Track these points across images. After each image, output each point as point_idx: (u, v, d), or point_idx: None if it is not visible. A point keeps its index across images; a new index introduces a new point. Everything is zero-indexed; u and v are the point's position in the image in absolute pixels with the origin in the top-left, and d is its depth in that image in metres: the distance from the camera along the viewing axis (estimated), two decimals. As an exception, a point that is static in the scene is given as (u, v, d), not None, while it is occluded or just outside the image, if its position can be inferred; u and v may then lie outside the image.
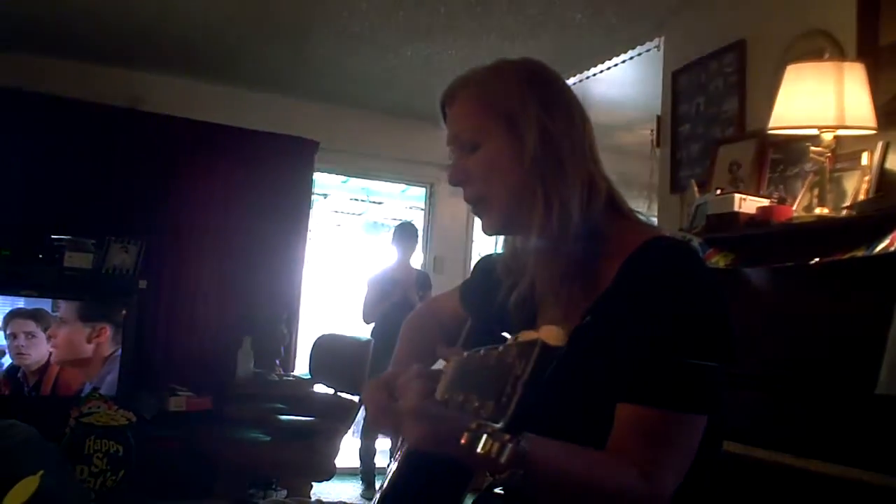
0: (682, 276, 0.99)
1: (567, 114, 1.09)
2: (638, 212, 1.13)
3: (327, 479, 3.83)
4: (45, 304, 4.17)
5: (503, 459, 0.64)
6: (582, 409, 0.99)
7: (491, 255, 1.28)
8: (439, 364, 1.40)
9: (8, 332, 4.09)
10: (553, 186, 1.04)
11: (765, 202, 2.43)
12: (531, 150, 1.05)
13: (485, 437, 0.66)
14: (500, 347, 0.69)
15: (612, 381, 0.96)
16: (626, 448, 0.92)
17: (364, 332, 4.79)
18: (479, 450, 0.66)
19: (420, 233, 5.37)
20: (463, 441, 0.69)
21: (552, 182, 1.04)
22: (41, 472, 1.04)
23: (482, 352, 0.73)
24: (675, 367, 0.94)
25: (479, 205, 1.12)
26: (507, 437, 0.64)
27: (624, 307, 0.99)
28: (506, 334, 1.15)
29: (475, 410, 0.67)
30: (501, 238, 1.20)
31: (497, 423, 0.63)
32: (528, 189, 1.05)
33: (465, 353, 0.78)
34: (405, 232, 5.06)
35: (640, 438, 0.93)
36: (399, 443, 1.27)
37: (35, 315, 4.16)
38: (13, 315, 4.12)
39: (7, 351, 4.08)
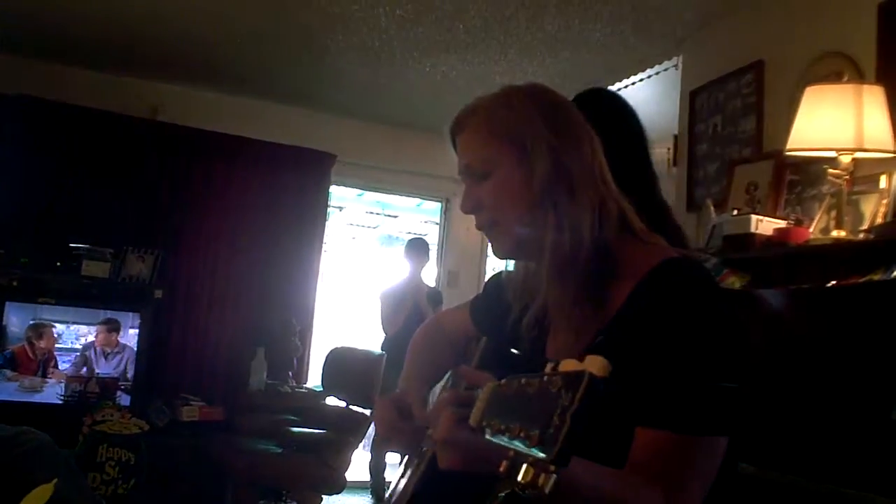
0: (696, 298, 0.99)
1: (576, 137, 1.09)
2: (653, 234, 1.12)
3: (337, 493, 3.81)
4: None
5: (548, 490, 0.64)
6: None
7: (502, 273, 1.28)
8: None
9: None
10: (564, 210, 1.04)
11: (782, 224, 2.42)
12: (541, 176, 1.05)
13: (525, 466, 0.66)
14: (544, 377, 0.68)
15: (627, 404, 0.96)
16: (648, 472, 0.92)
17: (377, 345, 4.81)
18: (519, 479, 0.66)
19: (434, 247, 5.36)
20: (501, 469, 0.69)
21: (563, 206, 1.04)
22: (55, 480, 1.04)
23: (523, 380, 0.72)
24: (695, 390, 0.94)
25: (491, 231, 1.12)
26: (553, 468, 0.63)
27: (638, 330, 0.98)
28: (514, 351, 1.15)
29: (518, 440, 0.67)
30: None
31: (541, 453, 0.63)
32: (540, 214, 1.05)
33: (503, 380, 0.77)
34: (416, 247, 5.07)
35: (662, 462, 0.92)
36: (409, 458, 1.27)
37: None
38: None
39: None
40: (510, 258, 1.17)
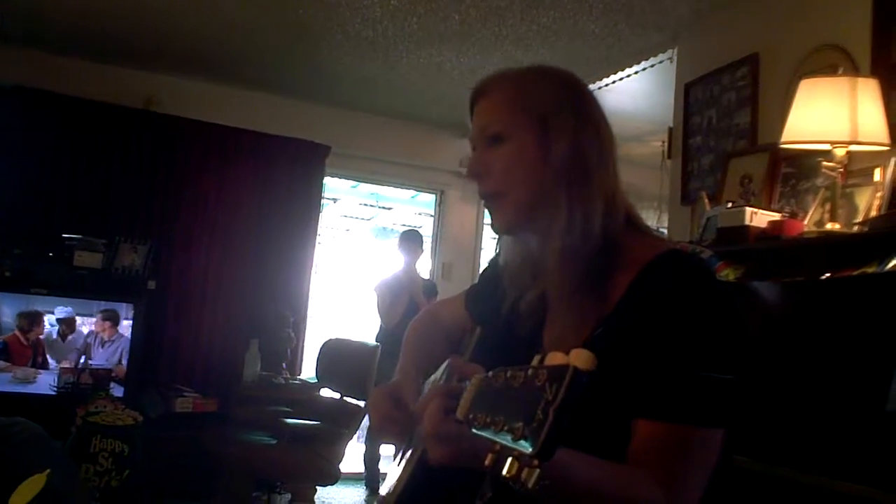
0: (696, 290, 0.99)
1: (597, 127, 1.09)
2: (654, 230, 1.13)
3: (331, 484, 3.82)
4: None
5: (531, 484, 0.64)
6: (594, 421, 0.97)
7: (497, 259, 1.28)
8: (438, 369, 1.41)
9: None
10: (578, 195, 1.04)
11: (776, 216, 2.42)
12: (560, 156, 1.05)
13: (510, 459, 0.66)
14: (529, 370, 0.68)
15: (624, 395, 0.96)
16: (647, 464, 0.92)
17: (371, 337, 4.81)
18: (504, 472, 0.66)
19: (429, 239, 5.35)
20: (487, 462, 0.69)
21: (577, 191, 1.04)
22: (48, 471, 1.04)
23: (508, 373, 0.72)
24: (693, 381, 0.94)
25: (494, 200, 1.11)
26: (536, 462, 0.63)
27: (637, 321, 0.98)
28: (508, 342, 1.15)
29: (503, 433, 0.67)
30: (505, 239, 1.19)
31: (525, 447, 0.63)
32: (551, 192, 1.05)
33: (490, 373, 0.77)
34: (410, 238, 5.07)
35: (661, 454, 0.92)
36: (402, 450, 1.27)
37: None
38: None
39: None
40: (509, 232, 1.15)
